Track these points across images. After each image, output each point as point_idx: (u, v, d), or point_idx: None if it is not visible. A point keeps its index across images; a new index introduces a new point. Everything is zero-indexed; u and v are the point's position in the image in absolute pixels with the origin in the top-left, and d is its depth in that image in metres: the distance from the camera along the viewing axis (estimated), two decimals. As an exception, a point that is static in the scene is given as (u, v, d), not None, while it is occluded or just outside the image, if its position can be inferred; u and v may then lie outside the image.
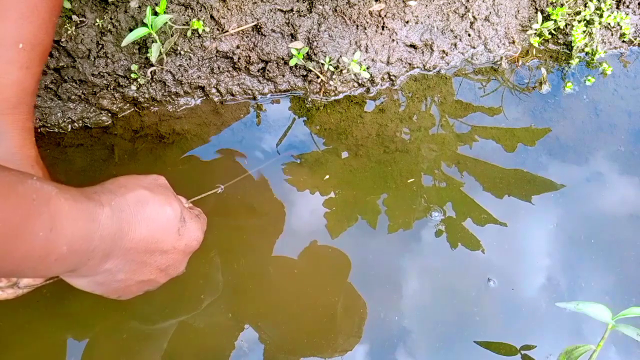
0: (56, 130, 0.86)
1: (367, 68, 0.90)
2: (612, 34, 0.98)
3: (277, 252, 0.81)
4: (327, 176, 0.85)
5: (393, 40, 0.91)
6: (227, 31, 0.86)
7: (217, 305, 0.76)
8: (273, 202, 0.84)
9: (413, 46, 0.93)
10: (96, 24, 0.82)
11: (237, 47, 0.87)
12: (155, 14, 0.77)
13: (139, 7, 0.82)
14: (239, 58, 0.87)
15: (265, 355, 0.74)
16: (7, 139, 0.58)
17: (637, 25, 0.99)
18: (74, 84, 0.84)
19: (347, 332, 0.76)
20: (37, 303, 0.74)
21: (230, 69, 0.89)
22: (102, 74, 0.84)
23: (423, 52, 0.93)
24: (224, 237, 0.81)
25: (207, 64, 0.87)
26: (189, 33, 0.84)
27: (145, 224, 0.50)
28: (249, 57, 0.87)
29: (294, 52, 0.86)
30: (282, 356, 0.74)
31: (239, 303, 0.77)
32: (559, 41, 0.98)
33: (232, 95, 0.90)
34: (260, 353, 0.74)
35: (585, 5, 0.95)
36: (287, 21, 0.87)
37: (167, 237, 0.53)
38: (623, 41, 0.99)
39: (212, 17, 0.85)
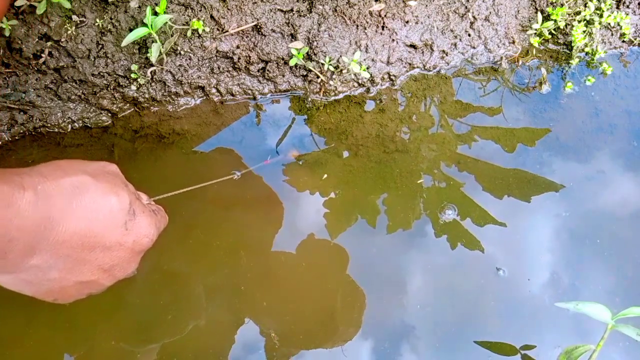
0: (56, 130, 0.86)
1: (367, 68, 0.90)
2: (612, 34, 0.98)
3: (277, 248, 0.81)
4: (326, 175, 0.85)
5: (393, 40, 0.91)
6: (227, 31, 0.86)
7: (217, 301, 0.77)
8: (272, 201, 0.84)
9: (413, 46, 0.93)
10: (96, 24, 0.82)
11: (237, 47, 0.87)
12: (155, 14, 0.77)
13: (139, 7, 0.82)
14: (239, 58, 0.87)
15: (266, 349, 0.74)
16: None
17: (637, 25, 0.99)
18: (74, 84, 0.84)
19: (346, 323, 0.76)
20: (38, 304, 0.74)
21: (230, 69, 0.89)
22: (102, 74, 0.84)
23: (423, 52, 0.93)
24: (224, 235, 0.81)
25: (207, 64, 0.87)
26: (189, 33, 0.84)
27: (83, 214, 0.44)
28: (249, 57, 0.87)
29: (294, 52, 0.86)
30: (283, 349, 0.74)
31: (239, 299, 0.77)
32: (559, 41, 0.98)
33: (232, 95, 0.90)
34: (261, 347, 0.74)
35: (585, 5, 0.95)
36: (287, 21, 0.87)
37: (111, 231, 0.46)
38: (623, 41, 0.99)
39: (212, 17, 0.85)
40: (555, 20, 0.94)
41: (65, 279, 0.46)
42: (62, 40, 0.81)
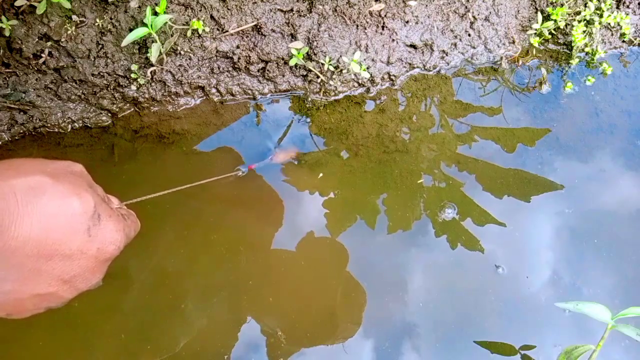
0: (56, 130, 0.86)
1: (367, 68, 0.90)
2: (612, 34, 0.98)
3: (278, 247, 0.81)
4: (321, 174, 0.85)
5: (393, 40, 0.91)
6: (227, 31, 0.86)
7: (219, 299, 0.77)
8: (272, 200, 0.84)
9: (413, 46, 0.93)
10: (96, 24, 0.82)
11: (237, 47, 0.87)
12: (155, 14, 0.77)
13: (139, 7, 0.82)
14: (239, 58, 0.87)
15: (271, 346, 0.74)
16: None
17: (637, 25, 0.99)
18: (74, 84, 0.84)
19: (347, 320, 0.76)
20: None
21: (230, 69, 0.89)
22: (102, 74, 0.84)
23: (423, 52, 0.93)
24: (225, 234, 0.81)
25: (207, 64, 0.87)
26: (189, 33, 0.84)
27: (39, 219, 0.39)
28: (249, 57, 0.87)
29: (294, 52, 0.86)
30: (285, 347, 0.74)
31: (241, 298, 0.77)
32: (559, 41, 0.98)
33: (232, 95, 0.90)
34: (263, 345, 0.74)
35: (585, 5, 0.95)
36: (287, 21, 0.87)
37: (71, 237, 0.41)
38: (623, 41, 0.99)
39: (212, 17, 0.85)
40: (555, 20, 0.94)
41: (19, 291, 0.41)
42: (62, 40, 0.81)
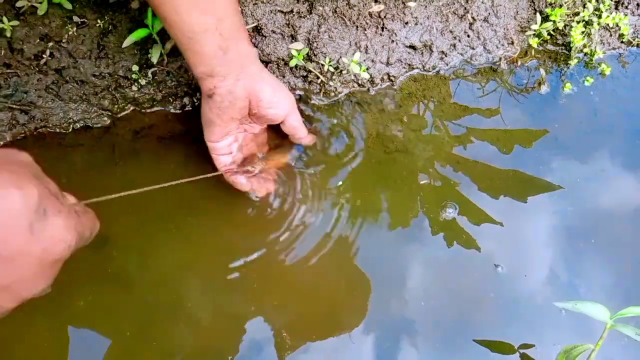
0: (57, 130, 0.87)
1: (367, 69, 0.90)
2: (610, 35, 0.99)
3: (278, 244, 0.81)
4: (340, 182, 0.86)
5: (392, 41, 0.91)
6: (227, 32, 0.86)
7: (221, 298, 0.77)
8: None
9: (412, 47, 0.93)
10: (97, 25, 0.83)
11: (238, 47, 0.87)
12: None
13: (140, 7, 0.83)
14: (239, 59, 0.87)
15: (273, 346, 0.75)
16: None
17: (635, 26, 0.99)
18: (75, 84, 0.85)
19: (351, 309, 0.77)
20: (39, 304, 0.74)
21: (231, 69, 0.89)
22: (103, 74, 0.84)
23: (422, 53, 0.94)
24: (225, 232, 0.81)
25: (208, 65, 0.88)
26: (189, 34, 0.84)
27: None
28: (249, 57, 0.88)
29: (294, 53, 0.86)
30: (290, 345, 0.74)
31: (243, 296, 0.77)
32: (558, 42, 0.98)
33: (233, 95, 0.91)
34: (268, 340, 0.75)
35: (584, 6, 0.96)
36: (287, 22, 0.88)
37: (10, 236, 0.35)
38: (622, 42, 0.99)
39: (212, 18, 0.85)
40: (554, 21, 0.95)
41: None
42: (63, 41, 0.81)
